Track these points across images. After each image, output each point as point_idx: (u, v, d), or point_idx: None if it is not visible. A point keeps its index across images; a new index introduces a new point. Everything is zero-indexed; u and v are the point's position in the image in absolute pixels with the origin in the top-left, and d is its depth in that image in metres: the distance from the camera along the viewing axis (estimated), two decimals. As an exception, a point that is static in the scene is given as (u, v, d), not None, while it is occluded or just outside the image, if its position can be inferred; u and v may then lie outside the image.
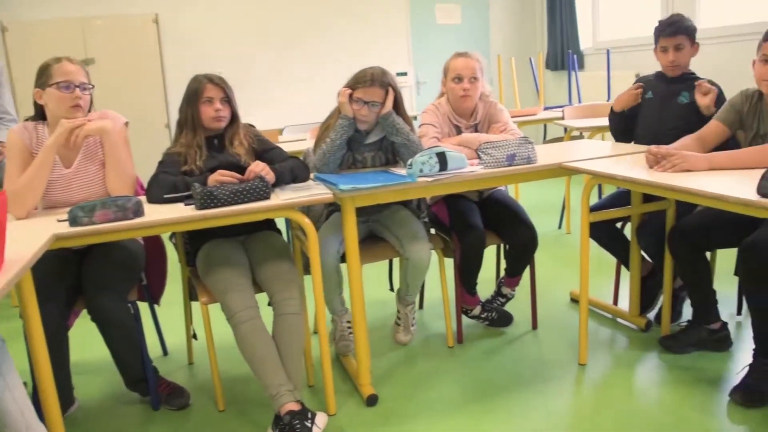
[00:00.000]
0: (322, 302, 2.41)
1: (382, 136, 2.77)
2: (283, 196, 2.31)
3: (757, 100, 2.57)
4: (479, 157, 2.62)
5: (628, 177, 2.37)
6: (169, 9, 6.35)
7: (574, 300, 3.42)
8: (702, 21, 5.78)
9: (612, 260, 3.28)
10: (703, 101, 2.81)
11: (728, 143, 2.68)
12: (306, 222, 2.31)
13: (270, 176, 2.37)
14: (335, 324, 2.90)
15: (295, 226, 2.66)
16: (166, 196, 2.34)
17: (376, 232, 2.90)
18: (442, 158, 2.49)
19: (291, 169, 2.51)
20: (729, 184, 2.13)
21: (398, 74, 7.18)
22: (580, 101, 5.99)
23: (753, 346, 2.43)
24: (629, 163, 2.63)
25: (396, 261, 3.24)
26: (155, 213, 2.20)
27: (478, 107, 3.03)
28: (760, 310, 2.37)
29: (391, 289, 3.28)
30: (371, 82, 2.64)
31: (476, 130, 3.03)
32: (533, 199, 5.72)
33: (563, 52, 7.28)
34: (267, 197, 2.28)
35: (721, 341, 2.77)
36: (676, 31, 2.93)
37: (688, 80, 2.97)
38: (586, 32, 7.19)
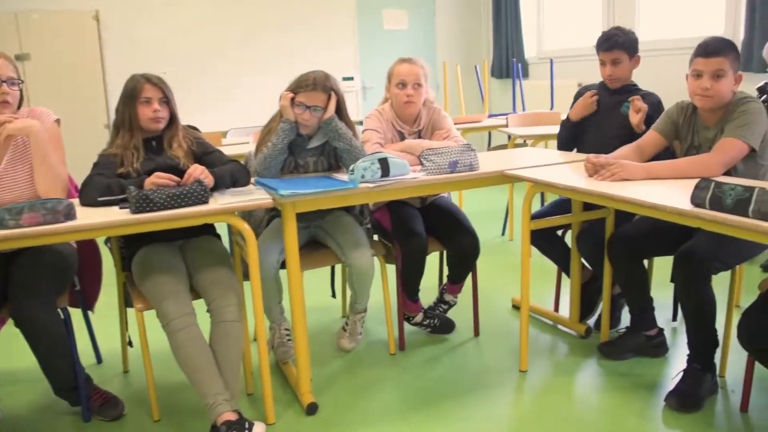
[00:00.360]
0: (261, 309, 2.36)
1: (325, 140, 2.74)
2: (221, 201, 2.26)
3: (691, 113, 2.64)
4: (422, 164, 2.61)
5: (568, 185, 2.40)
6: (111, 6, 6.18)
7: (516, 307, 3.45)
8: (642, 34, 5.91)
9: (554, 267, 3.32)
10: (634, 119, 2.86)
11: (666, 152, 2.75)
12: (245, 228, 2.26)
13: (209, 180, 2.31)
14: (273, 331, 2.85)
15: (235, 232, 2.60)
16: (99, 199, 2.26)
17: (318, 238, 2.86)
18: (384, 164, 2.47)
19: (231, 173, 2.46)
20: (665, 193, 2.18)
21: (344, 79, 7.16)
22: (524, 109, 6.07)
23: (687, 352, 2.50)
24: (570, 172, 2.66)
25: (339, 267, 3.22)
26: (88, 216, 2.12)
27: (421, 113, 3.02)
28: (693, 316, 2.43)
29: (333, 296, 3.24)
30: (313, 86, 2.61)
31: (420, 137, 3.02)
32: (477, 206, 5.77)
33: (508, 61, 7.38)
34: (205, 201, 2.23)
35: (658, 347, 2.83)
36: (612, 45, 2.98)
37: (630, 91, 3.03)
38: (530, 41, 7.30)
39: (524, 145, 4.53)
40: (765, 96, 3.91)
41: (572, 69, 6.43)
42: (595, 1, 6.40)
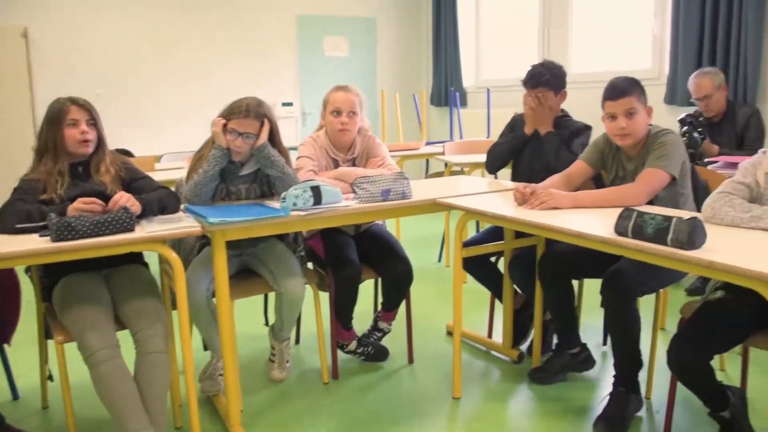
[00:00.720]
0: (188, 339, 2.30)
1: (257, 168, 2.71)
2: (148, 228, 2.20)
3: (615, 146, 2.73)
4: (354, 192, 2.61)
5: (497, 214, 2.44)
6: (41, 24, 6.01)
7: (451, 333, 3.46)
8: (575, 66, 6.14)
9: (487, 293, 3.35)
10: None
11: (595, 180, 2.84)
12: (173, 257, 2.20)
13: (135, 207, 2.25)
14: (210, 362, 2.77)
15: (163, 260, 2.53)
16: (18, 225, 2.17)
17: (250, 266, 2.81)
18: (316, 192, 2.46)
19: (159, 200, 2.41)
20: (591, 222, 2.23)
21: (284, 104, 7.16)
22: (461, 137, 6.16)
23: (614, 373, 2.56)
24: (501, 200, 2.70)
25: (271, 295, 3.17)
26: (5, 244, 2.03)
27: (356, 141, 3.03)
28: (619, 336, 2.50)
29: (267, 324, 3.19)
30: (246, 113, 2.58)
31: (354, 164, 3.03)
32: (415, 232, 5.80)
33: (447, 90, 7.50)
34: (131, 229, 2.17)
35: (584, 362, 2.89)
36: (536, 83, 3.05)
37: (560, 125, 3.10)
38: (469, 71, 7.44)
39: (461, 172, 4.59)
40: (686, 127, 4.07)
41: (509, 98, 6.56)
42: (531, 33, 6.58)
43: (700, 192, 2.70)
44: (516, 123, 3.29)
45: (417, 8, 8.15)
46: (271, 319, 2.93)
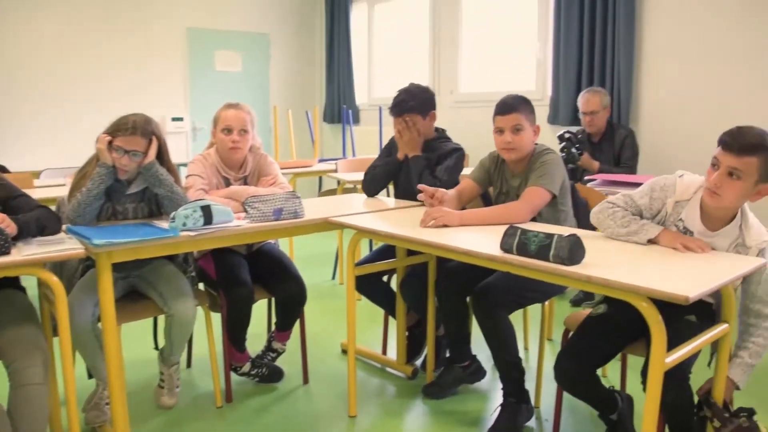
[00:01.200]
0: (71, 368, 2.19)
1: (145, 186, 2.62)
2: (26, 251, 2.08)
3: (501, 162, 2.85)
4: (246, 211, 2.58)
5: (389, 232, 2.48)
6: None
7: (346, 351, 3.46)
8: (462, 86, 6.34)
9: (381, 310, 3.39)
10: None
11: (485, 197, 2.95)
12: (53, 281, 2.09)
13: (10, 228, 2.12)
14: (96, 390, 2.64)
15: (42, 285, 2.40)
16: None
17: (138, 288, 2.71)
18: (206, 212, 2.41)
19: (38, 220, 2.28)
20: (479, 239, 2.31)
21: (174, 119, 6.96)
22: (354, 154, 6.21)
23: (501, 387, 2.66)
24: (392, 218, 2.75)
25: (161, 318, 3.06)
26: None
27: (247, 159, 3.00)
28: (497, 349, 2.61)
29: (156, 348, 3.07)
30: (133, 130, 2.50)
31: (245, 183, 2.99)
32: (309, 249, 5.78)
33: (339, 106, 7.55)
34: (6, 252, 2.04)
35: (475, 373, 2.98)
36: (401, 111, 3.12)
37: (433, 148, 3.14)
38: (361, 88, 7.52)
39: (354, 189, 4.62)
40: (564, 143, 4.31)
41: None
42: (422, 52, 6.74)
43: (581, 209, 2.86)
44: (393, 145, 3.33)
45: (311, 26, 8.17)
46: (161, 343, 2.83)
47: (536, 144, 2.76)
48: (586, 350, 2.24)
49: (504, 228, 2.14)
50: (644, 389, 1.88)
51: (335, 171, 4.90)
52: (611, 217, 2.26)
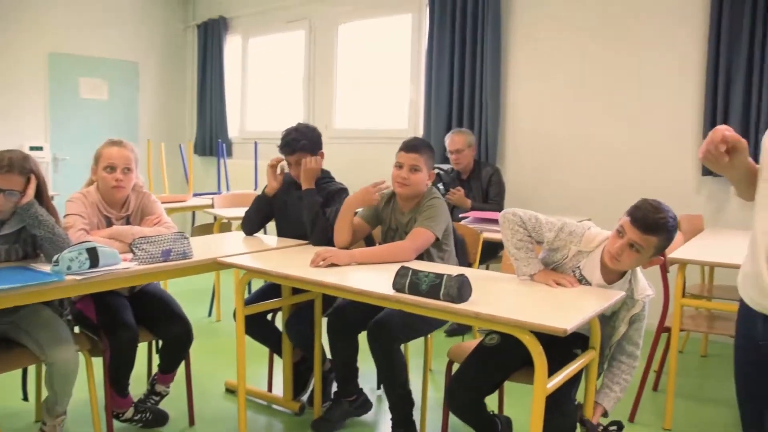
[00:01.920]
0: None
1: (21, 226, 2.50)
2: None
3: (392, 197, 2.99)
4: (133, 252, 2.52)
5: (281, 273, 2.51)
6: None
7: (230, 390, 3.43)
8: (337, 122, 6.48)
9: (263, 348, 3.38)
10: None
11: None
12: None
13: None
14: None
15: None
16: None
17: (10, 335, 2.55)
18: (93, 254, 2.33)
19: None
20: (372, 279, 2.41)
21: (32, 149, 6.56)
22: (228, 189, 6.15)
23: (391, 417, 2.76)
24: (281, 258, 2.78)
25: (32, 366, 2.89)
26: None
27: (130, 198, 2.92)
28: (389, 380, 2.72)
29: (25, 398, 2.89)
30: (9, 167, 2.37)
31: (128, 222, 2.92)
32: (181, 285, 5.60)
33: (212, 140, 7.45)
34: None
35: (362, 406, 3.06)
36: (293, 150, 3.18)
37: (319, 186, 3.20)
38: (234, 122, 7.47)
39: (229, 225, 4.57)
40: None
41: (275, 150, 6.71)
42: (297, 87, 6.83)
43: (458, 247, 3.05)
44: (291, 182, 3.35)
45: (182, 57, 8.04)
46: (32, 392, 2.68)
47: (428, 187, 2.93)
48: (480, 378, 2.40)
49: (391, 266, 2.24)
50: None
51: (212, 206, 4.84)
52: (512, 232, 2.39)
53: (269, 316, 3.34)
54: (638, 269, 2.34)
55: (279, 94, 7.18)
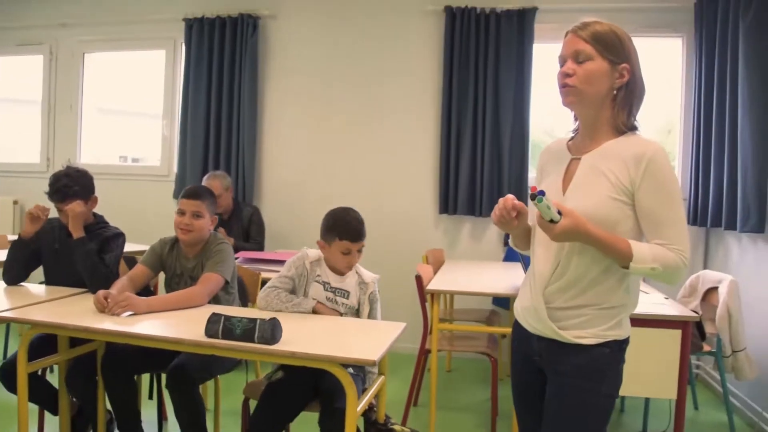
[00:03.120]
0: None
1: None
2: None
3: (175, 243, 3.02)
4: None
5: (79, 326, 2.38)
6: None
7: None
8: (83, 157, 6.11)
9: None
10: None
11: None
12: None
13: None
14: None
15: None
16: None
17: None
18: None
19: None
20: (180, 326, 2.45)
21: None
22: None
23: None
24: (63, 309, 2.66)
25: None
26: None
27: None
28: (190, 422, 2.74)
29: None
30: None
31: None
32: None
33: None
34: None
35: None
36: (63, 197, 3.00)
37: (92, 231, 3.08)
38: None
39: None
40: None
41: (10, 185, 6.13)
42: (35, 117, 6.30)
43: (240, 286, 3.20)
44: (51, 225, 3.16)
45: None
46: None
47: (211, 233, 3.01)
48: (276, 410, 2.59)
49: (185, 312, 2.50)
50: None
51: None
52: (277, 298, 2.74)
53: (38, 372, 3.10)
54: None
55: (13, 124, 6.55)
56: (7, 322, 2.55)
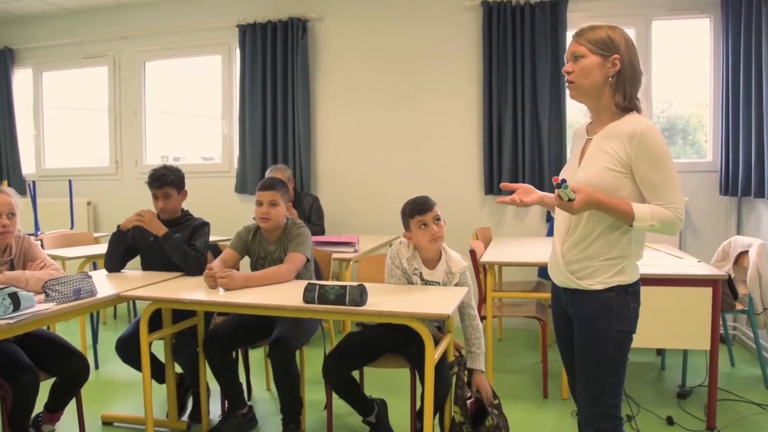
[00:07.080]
0: None
1: None
2: None
3: (257, 230, 3.44)
4: (46, 294, 2.67)
5: (194, 299, 2.83)
6: None
7: (107, 423, 3.55)
8: (148, 158, 6.58)
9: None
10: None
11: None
12: None
13: None
14: None
15: None
16: None
17: None
18: (14, 298, 2.46)
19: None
20: (280, 296, 2.84)
21: None
22: (39, 229, 5.95)
23: (281, 417, 3.20)
24: (177, 287, 3.09)
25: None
26: None
27: (11, 243, 3.02)
28: (287, 387, 3.14)
29: None
30: None
31: (12, 267, 3.00)
32: None
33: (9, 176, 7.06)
34: None
35: (251, 420, 3.43)
36: (162, 183, 3.53)
37: (180, 223, 3.58)
38: (28, 159, 7.11)
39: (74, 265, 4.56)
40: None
41: (83, 187, 6.58)
42: (102, 122, 6.79)
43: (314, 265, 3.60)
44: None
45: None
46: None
47: (288, 218, 3.42)
48: (346, 354, 3.03)
49: (274, 286, 2.98)
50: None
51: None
52: (392, 276, 3.09)
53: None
54: (447, 248, 3.13)
55: (83, 130, 7.05)
56: (132, 300, 2.97)
